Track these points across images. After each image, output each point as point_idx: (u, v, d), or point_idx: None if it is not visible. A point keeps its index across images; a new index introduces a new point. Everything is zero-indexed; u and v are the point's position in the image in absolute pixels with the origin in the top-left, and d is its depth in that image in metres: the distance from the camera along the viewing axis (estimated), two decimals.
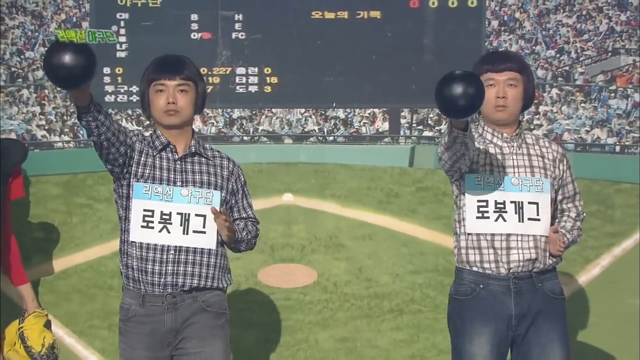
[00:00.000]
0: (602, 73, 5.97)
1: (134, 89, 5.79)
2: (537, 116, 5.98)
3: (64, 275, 5.54)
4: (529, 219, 3.78)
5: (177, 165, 3.72)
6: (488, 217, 3.78)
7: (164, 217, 3.65)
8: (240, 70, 5.90)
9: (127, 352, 3.70)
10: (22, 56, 5.94)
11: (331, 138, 6.02)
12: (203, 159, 3.76)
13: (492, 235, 3.78)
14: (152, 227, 3.64)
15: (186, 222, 3.66)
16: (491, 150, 3.84)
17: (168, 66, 3.73)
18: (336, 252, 5.67)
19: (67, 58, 3.19)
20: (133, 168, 3.67)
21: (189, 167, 3.73)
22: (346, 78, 5.91)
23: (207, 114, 5.96)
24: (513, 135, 3.87)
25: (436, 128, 5.94)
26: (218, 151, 3.85)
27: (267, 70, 5.91)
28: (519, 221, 3.77)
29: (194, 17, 5.90)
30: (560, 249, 3.79)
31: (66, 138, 5.92)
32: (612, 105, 5.94)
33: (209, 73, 5.82)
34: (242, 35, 5.90)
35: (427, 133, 5.98)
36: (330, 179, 5.86)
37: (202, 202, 3.69)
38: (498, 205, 3.78)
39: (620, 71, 5.96)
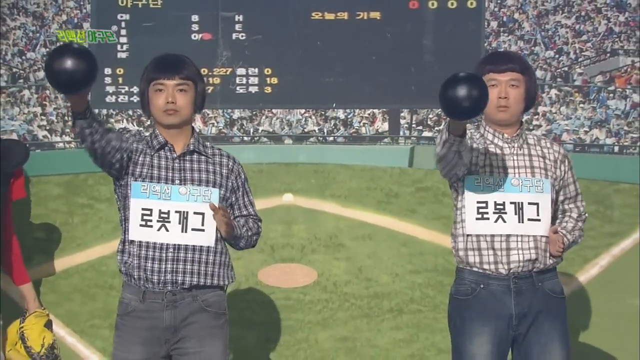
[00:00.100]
0: (601, 74, 5.98)
1: (135, 89, 5.80)
2: (536, 117, 5.99)
3: (65, 275, 5.55)
4: (529, 219, 3.77)
5: (175, 164, 3.71)
6: (488, 218, 3.77)
7: (162, 215, 3.65)
8: (241, 70, 5.91)
9: (121, 346, 3.67)
10: (23, 57, 5.95)
11: (331, 138, 6.03)
12: (202, 157, 3.75)
13: (492, 236, 3.78)
14: (151, 226, 3.64)
15: (185, 220, 3.65)
16: (492, 150, 3.84)
17: (167, 66, 3.72)
18: (336, 252, 5.67)
19: (69, 63, 3.18)
20: (131, 168, 3.67)
21: (187, 165, 3.72)
22: (346, 79, 5.92)
23: (208, 114, 5.97)
24: (514, 135, 3.86)
25: (436, 128, 5.95)
26: (219, 149, 3.83)
27: (268, 71, 5.92)
28: (519, 222, 3.76)
29: (195, 18, 5.92)
30: (559, 250, 3.79)
31: (67, 138, 5.94)
32: (610, 105, 5.95)
33: (210, 74, 5.83)
34: (242, 36, 5.91)
35: (426, 133, 5.99)
36: (330, 179, 5.87)
37: (200, 200, 3.67)
38: (498, 206, 3.77)
39: (619, 72, 5.97)
